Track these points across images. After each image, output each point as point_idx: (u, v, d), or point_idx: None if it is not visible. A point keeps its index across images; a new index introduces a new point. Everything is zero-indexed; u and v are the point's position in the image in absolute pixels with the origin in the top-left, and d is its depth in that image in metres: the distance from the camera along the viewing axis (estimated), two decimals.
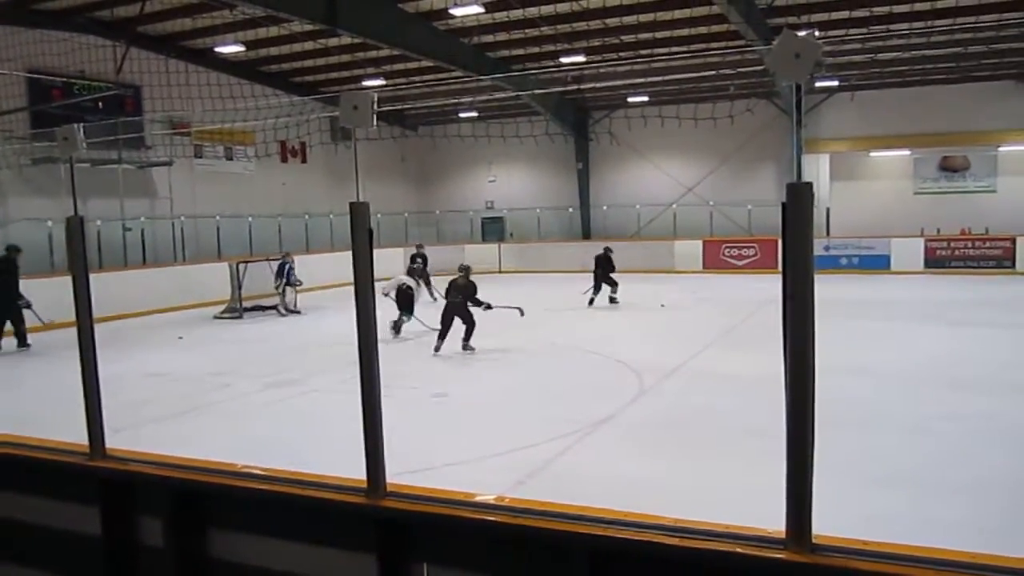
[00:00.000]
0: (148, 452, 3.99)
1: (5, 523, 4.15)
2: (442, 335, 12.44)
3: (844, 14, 17.84)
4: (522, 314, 13.13)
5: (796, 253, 2.42)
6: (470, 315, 12.47)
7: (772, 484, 2.54)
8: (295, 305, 18.28)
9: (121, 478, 3.77)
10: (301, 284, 18.49)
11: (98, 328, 3.99)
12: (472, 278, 12.71)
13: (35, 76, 17.83)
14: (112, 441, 4.00)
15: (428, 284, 18.70)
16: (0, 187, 18.56)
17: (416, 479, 3.53)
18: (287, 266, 18.26)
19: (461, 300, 12.45)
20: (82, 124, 3.81)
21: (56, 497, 3.99)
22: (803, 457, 2.45)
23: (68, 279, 4.00)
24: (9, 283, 13.59)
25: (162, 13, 18.70)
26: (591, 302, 17.47)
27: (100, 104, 18.91)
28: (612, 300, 17.82)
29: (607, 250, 18.12)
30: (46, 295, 14.47)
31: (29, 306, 13.78)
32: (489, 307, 12.61)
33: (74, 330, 3.86)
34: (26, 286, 14.37)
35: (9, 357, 13.37)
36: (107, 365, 4.02)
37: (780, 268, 2.46)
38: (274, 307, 18.46)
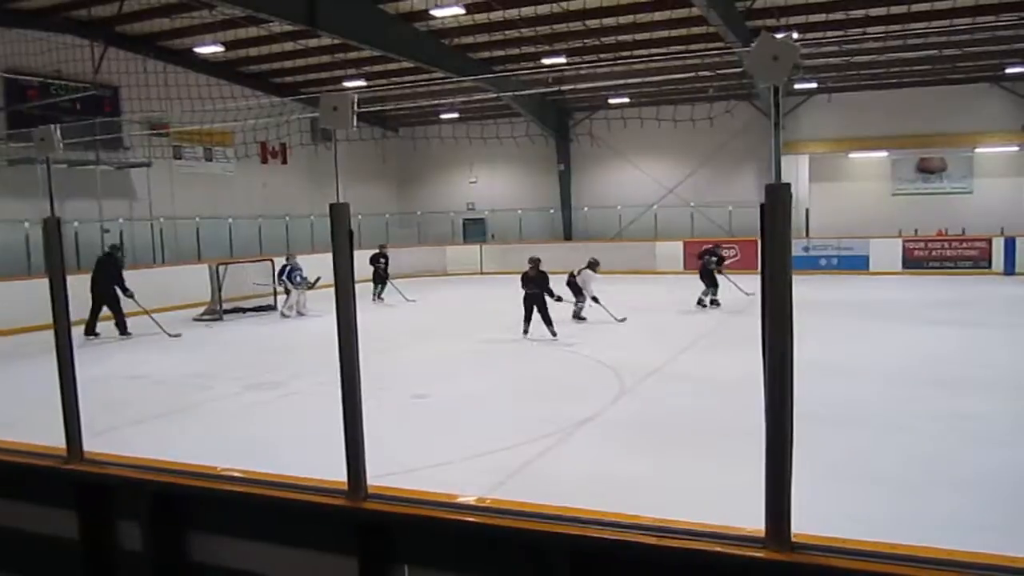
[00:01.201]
0: (126, 455, 3.97)
1: None
2: (527, 319, 13.73)
3: (821, 17, 17.99)
4: (621, 319, 14.74)
5: (774, 253, 2.45)
6: (546, 305, 13.53)
7: (752, 483, 2.56)
8: (303, 307, 17.81)
9: (99, 481, 3.74)
10: (311, 285, 18.10)
11: (77, 330, 3.96)
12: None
13: (11, 76, 17.64)
14: (91, 444, 3.97)
15: (384, 284, 20.10)
16: None
17: (397, 481, 3.53)
18: (288, 268, 18.10)
19: (538, 291, 13.61)
20: (59, 125, 3.79)
21: (33, 501, 3.95)
22: (782, 456, 2.48)
23: (45, 281, 3.97)
24: (111, 275, 15.16)
25: (140, 13, 18.53)
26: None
27: (78, 105, 18.73)
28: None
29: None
30: (23, 297, 14.39)
31: (132, 296, 15.08)
32: (560, 299, 13.87)
33: (44, 333, 3.83)
34: (2, 288, 14.35)
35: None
36: (86, 368, 3.99)
37: (760, 269, 2.49)
38: (254, 309, 18.38)
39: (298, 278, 17.89)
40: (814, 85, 24.15)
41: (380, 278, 20.38)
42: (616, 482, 6.35)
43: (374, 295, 20.02)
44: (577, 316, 15.50)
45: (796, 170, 26.36)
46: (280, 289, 18.36)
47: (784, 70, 2.38)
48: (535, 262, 13.99)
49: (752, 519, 2.60)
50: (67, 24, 18.63)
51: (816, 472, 5.47)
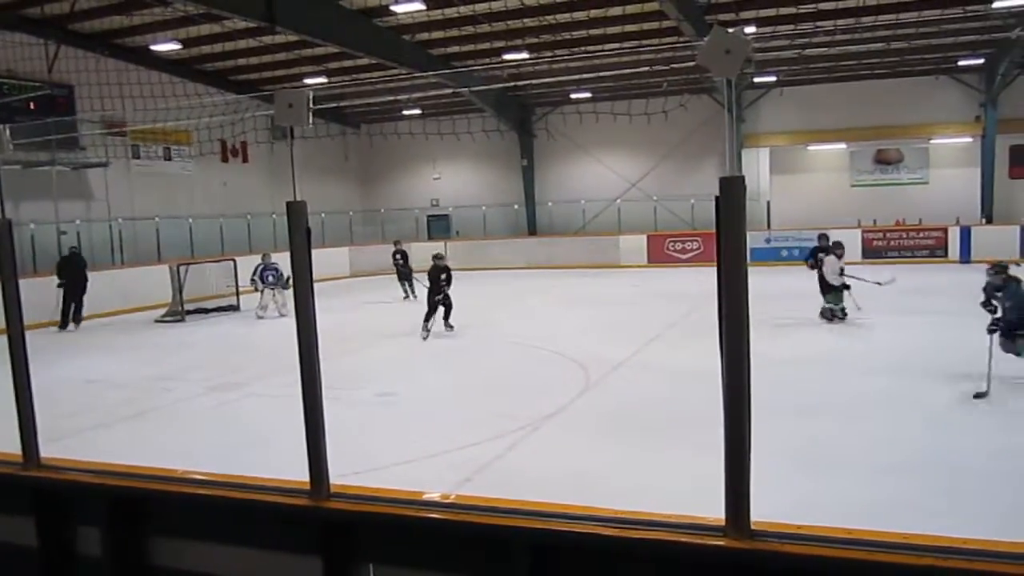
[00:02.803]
0: (85, 460, 3.91)
1: None
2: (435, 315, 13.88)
3: (772, 11, 18.18)
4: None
5: (729, 245, 2.48)
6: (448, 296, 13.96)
7: (717, 473, 2.59)
8: (283, 307, 17.15)
9: (56, 487, 3.69)
10: (287, 284, 17.42)
11: (33, 334, 3.90)
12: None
13: None
14: (50, 450, 3.91)
15: (410, 281, 19.53)
16: None
17: (362, 479, 3.53)
18: (260, 267, 17.76)
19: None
20: (9, 125, 3.72)
21: None
22: (740, 445, 2.51)
23: None
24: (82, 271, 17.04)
25: (94, 11, 18.19)
26: None
27: (32, 104, 18.36)
28: None
29: None
30: None
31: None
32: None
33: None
34: None
35: None
36: (44, 371, 3.93)
37: (716, 261, 2.51)
38: (216, 309, 18.21)
39: (270, 278, 17.58)
40: (773, 79, 24.42)
41: (403, 275, 20.07)
42: (584, 475, 6.38)
43: (405, 293, 19.77)
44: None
45: (757, 162, 26.68)
46: (251, 288, 18.05)
47: (736, 64, 2.41)
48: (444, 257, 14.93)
49: (718, 508, 2.64)
50: (19, 22, 18.23)
51: (772, 460, 5.55)
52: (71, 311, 16.64)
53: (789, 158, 27.50)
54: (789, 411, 7.62)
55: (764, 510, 2.57)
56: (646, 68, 17.81)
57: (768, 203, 26.48)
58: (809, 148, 27.25)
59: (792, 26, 18.35)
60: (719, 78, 2.53)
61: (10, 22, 17.98)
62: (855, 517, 3.20)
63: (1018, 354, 8.53)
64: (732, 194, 2.46)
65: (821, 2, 17.55)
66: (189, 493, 3.44)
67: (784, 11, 17.89)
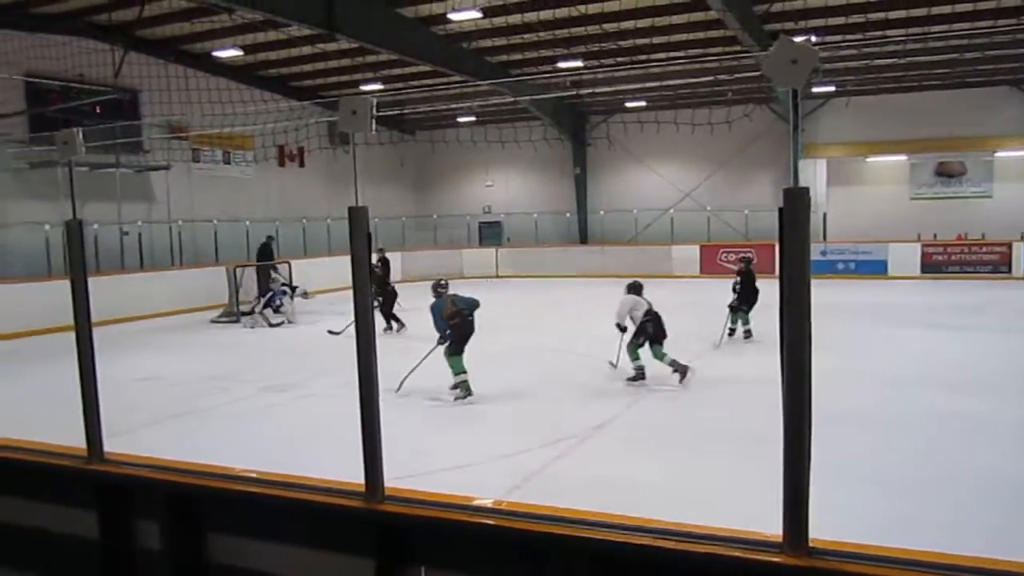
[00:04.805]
0: (146, 455, 3.99)
1: (3, 527, 4.14)
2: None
3: (840, 20, 17.88)
4: None
5: (793, 257, 2.44)
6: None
7: (768, 487, 2.55)
8: (292, 316, 17.37)
9: (119, 481, 3.77)
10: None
11: (94, 332, 3.99)
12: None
13: (33, 80, 17.80)
14: (110, 445, 4.00)
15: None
16: None
17: (414, 483, 3.54)
18: (271, 295, 17.45)
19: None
20: (81, 128, 3.82)
21: (54, 501, 3.98)
22: (800, 460, 2.47)
23: (65, 283, 4.00)
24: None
25: (161, 17, 18.67)
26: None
27: (98, 108, 18.87)
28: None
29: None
30: (43, 299, 14.58)
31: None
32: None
33: (63, 334, 3.87)
34: (23, 289, 14.62)
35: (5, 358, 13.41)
36: (103, 369, 4.01)
37: (777, 273, 2.48)
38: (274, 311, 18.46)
39: (277, 301, 17.43)
40: (832, 88, 24.00)
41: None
42: (631, 486, 6.33)
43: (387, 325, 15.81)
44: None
45: (814, 174, 26.23)
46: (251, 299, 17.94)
47: (803, 74, 2.38)
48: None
49: (768, 523, 2.59)
50: (88, 28, 18.80)
51: (829, 475, 5.44)
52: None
53: (847, 169, 26.99)
54: (847, 426, 7.47)
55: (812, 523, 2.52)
56: (709, 77, 17.64)
57: (824, 215, 26.03)
58: (868, 160, 26.73)
59: (861, 35, 18.03)
60: (783, 88, 2.49)
61: (81, 29, 18.55)
62: (905, 535, 3.12)
63: None
64: (796, 206, 2.43)
65: (891, 10, 17.22)
66: (246, 491, 3.49)
67: (847, 20, 17.61)
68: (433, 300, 10.12)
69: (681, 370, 10.02)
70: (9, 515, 4.12)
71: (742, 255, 15.15)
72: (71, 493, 3.91)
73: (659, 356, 10.18)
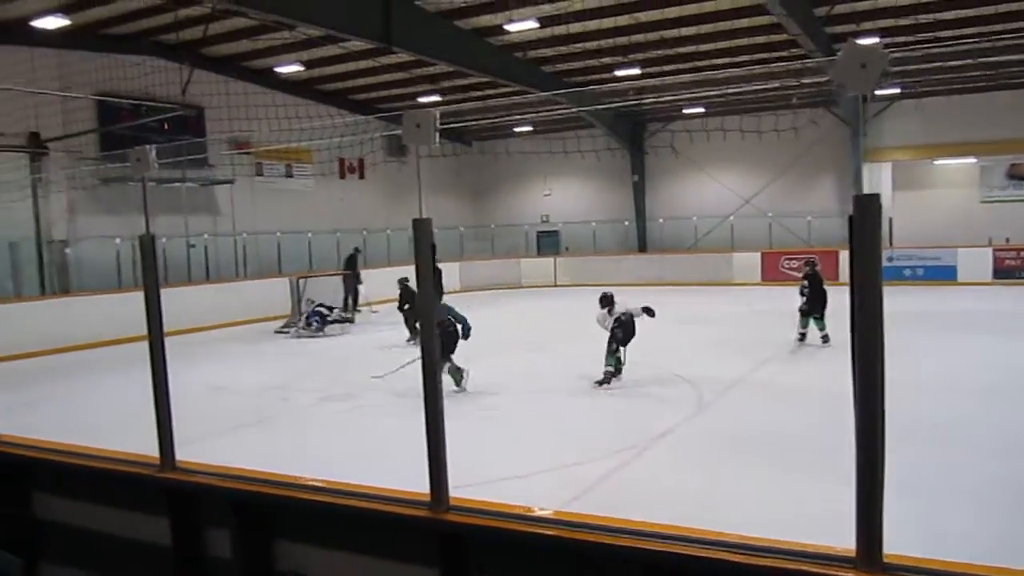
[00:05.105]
0: (216, 464, 4.08)
1: (79, 533, 4.27)
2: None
3: (908, 20, 17.48)
4: None
5: (864, 265, 2.38)
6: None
7: (835, 501, 2.49)
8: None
9: (190, 489, 3.85)
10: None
11: (171, 340, 4.10)
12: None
13: (104, 99, 18.41)
14: (178, 454, 4.10)
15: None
16: (71, 206, 19.21)
17: (475, 492, 3.55)
18: (310, 311, 17.73)
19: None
20: (154, 145, 3.94)
21: (128, 507, 4.09)
22: (873, 473, 2.41)
23: (136, 295, 4.11)
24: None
25: (224, 35, 19.20)
26: None
27: (166, 125, 19.41)
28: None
29: None
30: (114, 311, 15.06)
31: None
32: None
33: (132, 345, 3.98)
34: (96, 301, 15.17)
35: (65, 368, 13.85)
36: (171, 378, 4.11)
37: (840, 280, 2.43)
38: (333, 322, 18.68)
39: (315, 323, 17.61)
40: (898, 90, 23.41)
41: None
42: (694, 497, 6.25)
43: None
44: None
45: (879, 178, 25.60)
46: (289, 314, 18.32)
47: (872, 78, 2.33)
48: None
49: (833, 538, 2.54)
50: (156, 48, 19.39)
51: (901, 489, 5.29)
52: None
53: (913, 173, 26.30)
54: (915, 437, 7.26)
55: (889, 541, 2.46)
56: (776, 83, 17.39)
57: (890, 220, 25.38)
58: (935, 163, 26.02)
59: (931, 35, 17.57)
60: (852, 94, 2.44)
61: (149, 48, 19.13)
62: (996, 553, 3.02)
63: None
64: (867, 212, 2.37)
65: (961, 9, 16.78)
66: (313, 500, 3.54)
67: (921, 20, 17.17)
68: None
69: (607, 379, 10.86)
70: (85, 521, 4.24)
71: (807, 259, 15.16)
72: (144, 500, 4.01)
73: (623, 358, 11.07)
